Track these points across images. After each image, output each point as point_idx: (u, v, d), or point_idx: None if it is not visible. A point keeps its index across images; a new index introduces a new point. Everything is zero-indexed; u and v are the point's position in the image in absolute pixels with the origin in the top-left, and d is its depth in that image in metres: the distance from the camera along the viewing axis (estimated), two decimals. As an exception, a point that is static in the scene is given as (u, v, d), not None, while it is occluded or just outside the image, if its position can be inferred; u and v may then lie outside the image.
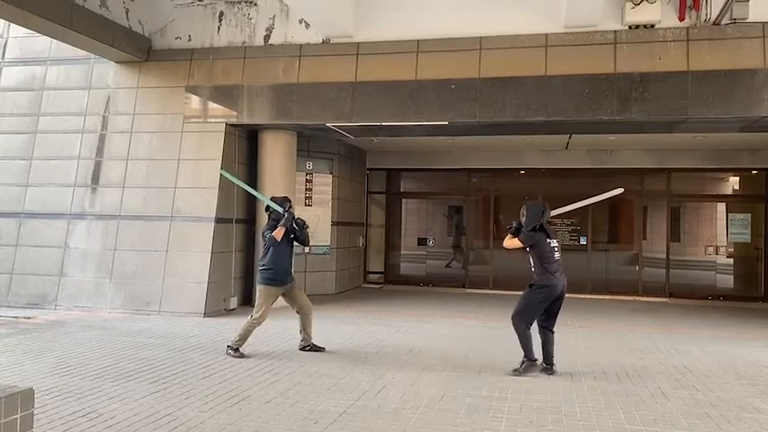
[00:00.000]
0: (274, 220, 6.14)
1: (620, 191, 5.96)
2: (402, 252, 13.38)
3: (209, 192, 8.75)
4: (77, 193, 9.19)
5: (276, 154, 9.45)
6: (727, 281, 11.76)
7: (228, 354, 6.01)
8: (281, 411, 4.35)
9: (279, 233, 5.98)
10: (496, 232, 12.29)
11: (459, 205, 13.18)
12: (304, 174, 10.81)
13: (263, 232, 6.18)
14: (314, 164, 10.97)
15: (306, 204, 10.81)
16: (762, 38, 7.44)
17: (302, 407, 4.45)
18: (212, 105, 9.07)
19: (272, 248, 6.05)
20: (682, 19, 7.63)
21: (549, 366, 5.56)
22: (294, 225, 6.12)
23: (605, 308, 10.14)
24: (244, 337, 6.06)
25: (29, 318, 8.05)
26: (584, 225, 11.94)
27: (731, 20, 7.48)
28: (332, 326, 7.76)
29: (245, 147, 9.51)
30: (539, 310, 5.53)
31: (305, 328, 6.32)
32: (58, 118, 9.52)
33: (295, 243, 6.29)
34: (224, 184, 8.79)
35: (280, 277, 6.09)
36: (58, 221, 9.15)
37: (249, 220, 9.45)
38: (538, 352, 5.62)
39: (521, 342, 5.54)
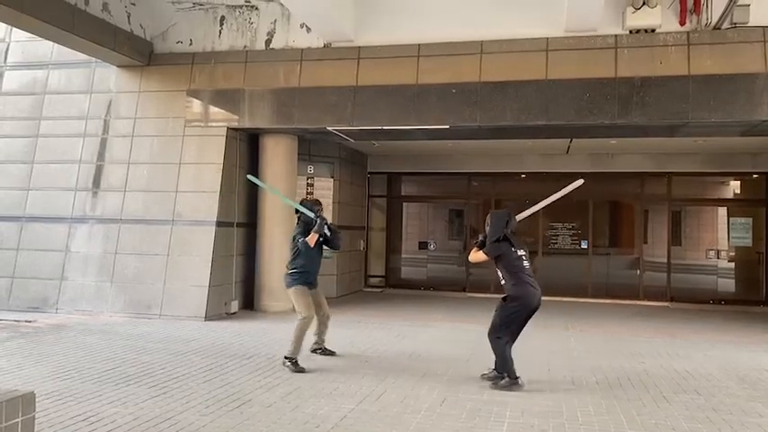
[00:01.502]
0: (305, 223, 6.01)
1: (580, 182, 5.54)
2: (403, 256, 13.37)
3: (210, 195, 8.76)
4: (79, 196, 9.20)
5: (277, 158, 9.46)
6: (728, 285, 11.73)
7: (286, 366, 5.65)
8: (281, 416, 4.34)
9: (312, 240, 5.84)
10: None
11: (460, 209, 13.18)
12: (305, 177, 10.82)
13: (295, 236, 6.02)
14: (315, 168, 10.98)
15: (307, 208, 10.81)
16: (762, 42, 7.44)
17: (303, 411, 4.45)
18: (213, 109, 9.09)
19: (301, 252, 5.93)
20: (682, 23, 7.64)
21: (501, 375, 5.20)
22: (326, 230, 6.02)
23: (606, 312, 10.13)
24: (298, 343, 5.75)
25: (30, 321, 8.05)
26: (585, 229, 11.94)
27: (732, 24, 7.48)
28: (332, 330, 7.69)
29: (246, 151, 9.52)
30: (514, 324, 5.17)
31: (319, 334, 6.33)
32: (60, 122, 9.53)
33: (324, 247, 6.18)
34: (225, 189, 8.82)
35: (311, 279, 6.08)
36: (59, 225, 9.16)
37: (250, 224, 9.46)
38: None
39: (500, 361, 5.17)
